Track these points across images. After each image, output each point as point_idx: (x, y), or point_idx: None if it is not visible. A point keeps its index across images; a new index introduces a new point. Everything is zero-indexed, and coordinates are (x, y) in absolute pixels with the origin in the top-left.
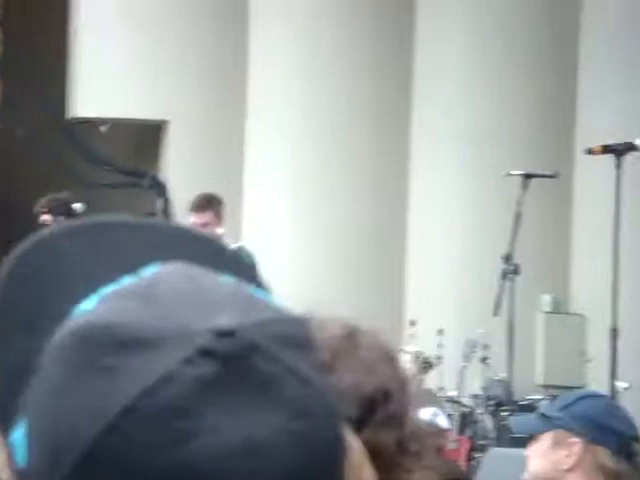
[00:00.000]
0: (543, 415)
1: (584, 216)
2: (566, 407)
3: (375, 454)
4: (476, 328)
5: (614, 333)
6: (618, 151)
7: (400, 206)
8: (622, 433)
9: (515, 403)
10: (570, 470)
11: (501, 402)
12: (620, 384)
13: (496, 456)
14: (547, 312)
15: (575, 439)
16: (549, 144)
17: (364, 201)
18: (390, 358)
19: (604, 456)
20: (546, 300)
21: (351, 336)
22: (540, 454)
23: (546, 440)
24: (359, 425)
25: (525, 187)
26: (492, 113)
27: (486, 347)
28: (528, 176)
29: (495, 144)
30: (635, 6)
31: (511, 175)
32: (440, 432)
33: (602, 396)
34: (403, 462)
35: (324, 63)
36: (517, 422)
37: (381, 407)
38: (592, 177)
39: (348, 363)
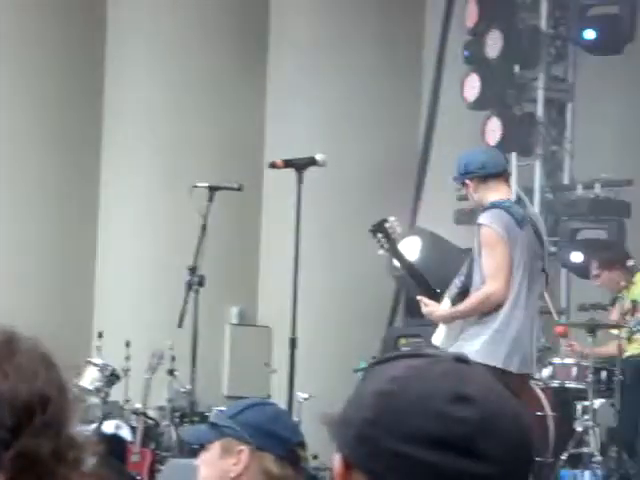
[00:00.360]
0: (213, 424)
1: (271, 229)
2: (234, 415)
3: (31, 462)
4: (164, 340)
5: (293, 343)
6: (299, 165)
7: (90, 218)
8: (287, 439)
9: (200, 414)
10: (237, 477)
11: (186, 414)
12: (300, 394)
13: (173, 467)
14: (234, 324)
15: (242, 446)
16: (237, 157)
17: (53, 213)
18: (50, 365)
19: (269, 462)
20: (233, 312)
21: (9, 342)
22: (209, 463)
23: (215, 449)
24: (15, 433)
25: (211, 199)
26: (181, 125)
27: (173, 359)
28: (213, 188)
29: (184, 156)
30: (321, 23)
31: (197, 187)
32: (98, 441)
33: (269, 404)
34: (60, 470)
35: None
36: (188, 432)
37: (38, 414)
38: (278, 190)
39: (4, 369)
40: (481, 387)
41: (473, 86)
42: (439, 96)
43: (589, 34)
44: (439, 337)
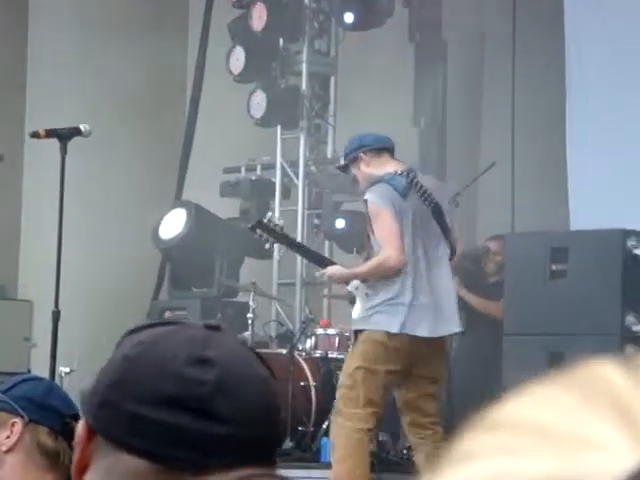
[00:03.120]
0: None
1: (32, 200)
2: (7, 390)
3: None
4: None
5: (56, 316)
6: (62, 135)
7: None
8: (62, 412)
9: None
10: (10, 451)
11: None
12: (63, 369)
13: None
14: None
15: (15, 419)
16: None
17: None
18: None
19: (43, 434)
20: None
21: None
22: None
23: None
24: None
25: None
26: None
27: None
28: None
29: None
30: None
31: None
32: None
33: (42, 379)
34: None
35: None
36: None
37: None
38: (40, 161)
39: None
40: (225, 351)
41: (238, 59)
42: (204, 68)
43: (348, 17)
44: (355, 310)
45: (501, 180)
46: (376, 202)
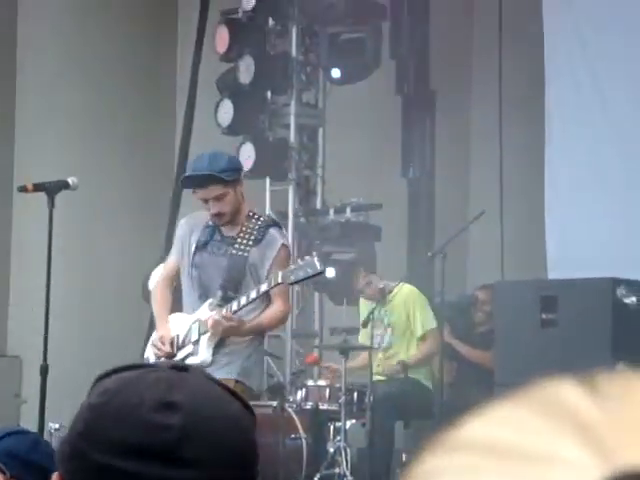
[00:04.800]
0: None
1: (22, 254)
2: None
3: None
4: None
5: (44, 370)
6: (50, 189)
7: None
8: (46, 468)
9: None
10: None
11: None
12: (52, 424)
13: None
14: None
15: (0, 476)
16: None
17: None
18: None
19: None
20: None
21: None
22: None
23: None
24: None
25: None
26: None
27: None
28: None
29: None
30: (70, 39)
31: None
32: None
33: (28, 432)
34: None
35: None
36: None
37: None
38: (29, 213)
39: None
40: (191, 393)
41: (226, 112)
42: (193, 122)
43: (335, 73)
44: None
45: (490, 229)
46: (289, 250)
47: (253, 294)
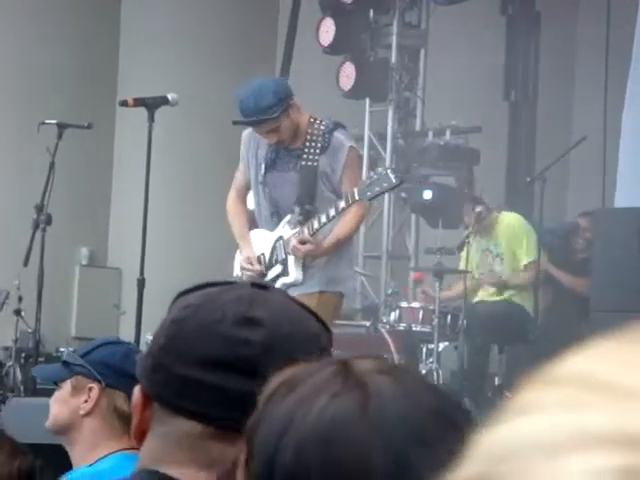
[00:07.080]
0: (65, 362)
1: (123, 169)
2: (85, 354)
3: None
4: (11, 279)
5: (141, 284)
6: (150, 104)
7: None
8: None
9: (47, 355)
10: (87, 415)
11: (31, 354)
12: (148, 336)
13: (16, 405)
14: (84, 265)
15: (93, 384)
16: (87, 95)
17: None
18: None
19: (120, 400)
20: (83, 253)
21: None
22: (60, 400)
23: (67, 387)
24: None
25: (60, 137)
26: (29, 60)
27: (20, 299)
28: (61, 126)
29: (33, 92)
30: None
31: (45, 124)
32: None
33: (121, 343)
34: None
35: None
36: (39, 370)
37: None
38: (129, 129)
39: None
40: (272, 310)
41: (328, 31)
42: (294, 40)
43: None
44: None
45: (593, 154)
46: (357, 151)
47: (332, 212)
